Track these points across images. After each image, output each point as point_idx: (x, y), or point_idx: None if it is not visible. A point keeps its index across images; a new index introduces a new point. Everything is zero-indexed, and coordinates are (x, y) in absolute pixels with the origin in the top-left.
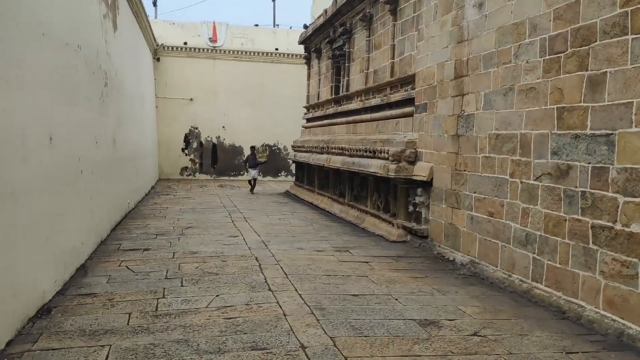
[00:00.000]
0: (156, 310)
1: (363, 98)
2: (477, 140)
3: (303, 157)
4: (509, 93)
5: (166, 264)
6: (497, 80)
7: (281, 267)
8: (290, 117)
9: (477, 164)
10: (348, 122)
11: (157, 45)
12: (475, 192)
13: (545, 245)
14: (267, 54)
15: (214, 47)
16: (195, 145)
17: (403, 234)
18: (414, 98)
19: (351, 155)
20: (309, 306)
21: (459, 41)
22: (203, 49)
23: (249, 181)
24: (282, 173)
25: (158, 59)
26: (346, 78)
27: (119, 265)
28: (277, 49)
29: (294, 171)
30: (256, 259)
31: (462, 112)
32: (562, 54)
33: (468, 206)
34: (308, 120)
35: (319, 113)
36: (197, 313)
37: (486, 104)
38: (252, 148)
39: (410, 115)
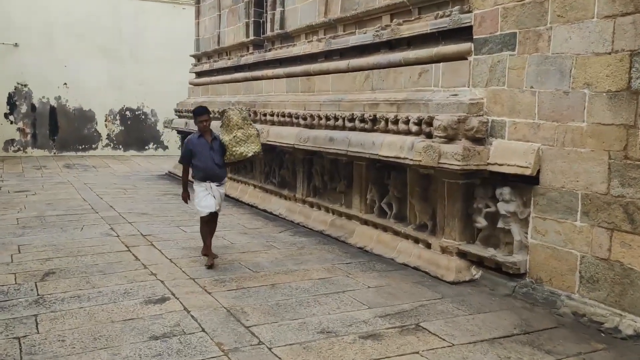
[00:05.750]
0: None
1: (324, 36)
2: None
3: None
4: None
5: None
6: None
7: None
8: (162, 72)
9: None
10: (291, 75)
11: None
12: None
13: None
14: None
15: None
16: (24, 109)
17: (464, 267)
18: (468, 27)
19: (312, 126)
20: None
21: None
22: None
23: (202, 216)
24: (151, 145)
25: None
26: (279, 9)
27: None
28: None
29: (165, 143)
30: None
31: None
32: None
33: None
34: (199, 74)
35: (222, 64)
36: None
37: None
38: (202, 113)
39: (459, 57)
